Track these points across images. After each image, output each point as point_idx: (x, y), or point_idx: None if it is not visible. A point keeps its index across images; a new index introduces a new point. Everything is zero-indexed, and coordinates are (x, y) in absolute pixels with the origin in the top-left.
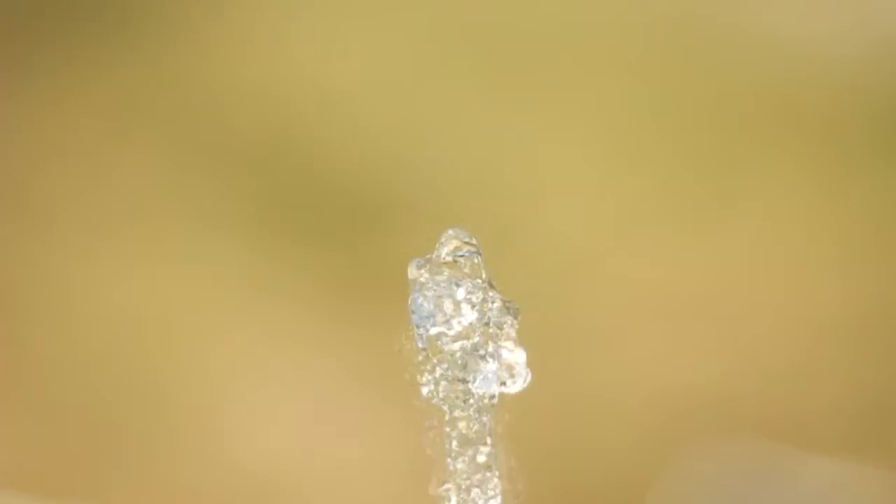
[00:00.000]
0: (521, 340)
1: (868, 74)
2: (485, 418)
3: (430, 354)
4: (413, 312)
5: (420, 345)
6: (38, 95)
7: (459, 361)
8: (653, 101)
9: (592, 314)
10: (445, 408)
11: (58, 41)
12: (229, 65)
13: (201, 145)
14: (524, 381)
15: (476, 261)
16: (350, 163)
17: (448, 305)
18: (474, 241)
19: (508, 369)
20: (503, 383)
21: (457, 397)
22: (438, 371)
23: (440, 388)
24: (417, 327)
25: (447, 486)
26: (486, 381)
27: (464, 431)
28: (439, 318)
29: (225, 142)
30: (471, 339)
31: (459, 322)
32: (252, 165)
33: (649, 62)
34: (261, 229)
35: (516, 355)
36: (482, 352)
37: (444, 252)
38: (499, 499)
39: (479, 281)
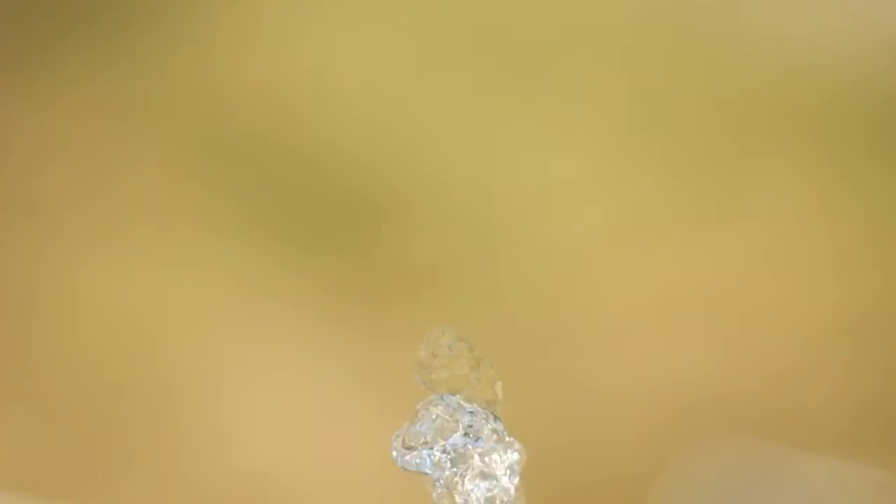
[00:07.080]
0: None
1: (865, 75)
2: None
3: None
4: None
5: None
6: (38, 95)
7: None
8: (650, 103)
9: (592, 314)
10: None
11: (58, 41)
12: (230, 66)
13: (203, 147)
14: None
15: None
16: (351, 166)
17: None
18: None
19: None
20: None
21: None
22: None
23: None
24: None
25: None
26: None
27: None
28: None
29: (226, 143)
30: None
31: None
32: (253, 167)
33: (646, 64)
34: (262, 231)
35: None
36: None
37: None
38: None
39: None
